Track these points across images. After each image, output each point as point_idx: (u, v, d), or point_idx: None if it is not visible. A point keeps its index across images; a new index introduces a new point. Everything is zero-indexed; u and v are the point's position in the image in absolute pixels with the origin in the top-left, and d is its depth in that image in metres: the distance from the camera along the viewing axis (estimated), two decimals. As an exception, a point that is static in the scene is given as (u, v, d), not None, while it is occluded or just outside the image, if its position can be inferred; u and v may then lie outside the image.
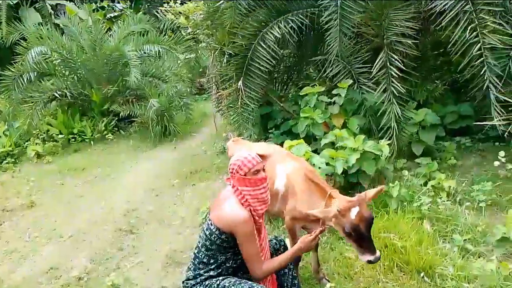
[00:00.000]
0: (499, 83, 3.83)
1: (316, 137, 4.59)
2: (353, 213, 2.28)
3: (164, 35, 8.73)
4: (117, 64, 8.10)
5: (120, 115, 7.66)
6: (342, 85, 4.49)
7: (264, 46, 4.73)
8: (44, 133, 7.54)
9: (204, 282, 2.36)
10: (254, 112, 4.93)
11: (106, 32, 8.58)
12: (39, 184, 5.69)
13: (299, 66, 6.04)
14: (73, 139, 7.51)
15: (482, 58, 3.81)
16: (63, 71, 8.24)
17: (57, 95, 7.63)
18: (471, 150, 5.10)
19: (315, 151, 4.37)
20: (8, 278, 3.46)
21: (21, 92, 7.58)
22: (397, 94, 4.15)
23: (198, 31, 5.97)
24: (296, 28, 4.80)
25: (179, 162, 6.08)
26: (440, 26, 4.11)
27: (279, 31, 4.72)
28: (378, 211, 3.59)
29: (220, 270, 2.37)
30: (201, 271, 2.37)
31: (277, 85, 6.24)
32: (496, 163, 4.02)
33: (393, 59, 4.15)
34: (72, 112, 7.93)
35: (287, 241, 2.78)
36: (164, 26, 8.33)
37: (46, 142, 7.32)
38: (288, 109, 5.56)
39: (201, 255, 2.37)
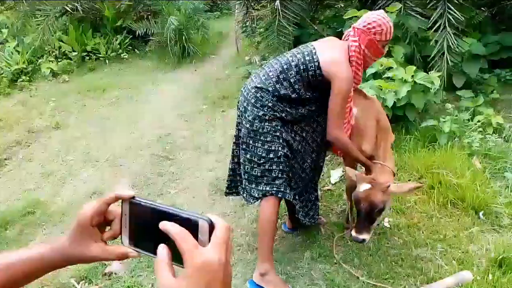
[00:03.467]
0: None
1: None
2: (362, 187, 2.18)
3: None
4: (129, -25, 7.52)
5: (137, 33, 7.27)
6: (390, 9, 4.16)
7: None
8: (56, 49, 7.19)
9: (274, 116, 2.26)
10: (291, 35, 4.64)
11: None
12: (60, 104, 5.53)
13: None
14: (88, 57, 7.18)
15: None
16: (72, -18, 7.67)
17: (68, 8, 7.15)
18: (511, 84, 4.93)
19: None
20: (53, 201, 3.45)
21: (29, 4, 7.11)
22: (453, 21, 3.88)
23: None
24: None
25: (203, 86, 5.88)
26: None
27: None
28: (426, 147, 3.53)
29: (297, 111, 2.31)
30: (281, 91, 2.24)
31: (309, 6, 5.84)
32: (546, 100, 3.90)
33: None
34: (84, 28, 7.49)
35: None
36: None
37: (60, 60, 7.01)
38: (322, 33, 5.25)
39: (290, 74, 2.24)
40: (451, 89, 4.64)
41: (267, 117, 2.26)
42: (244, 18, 5.85)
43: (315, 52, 2.22)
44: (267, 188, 2.30)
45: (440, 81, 3.81)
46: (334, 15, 5.88)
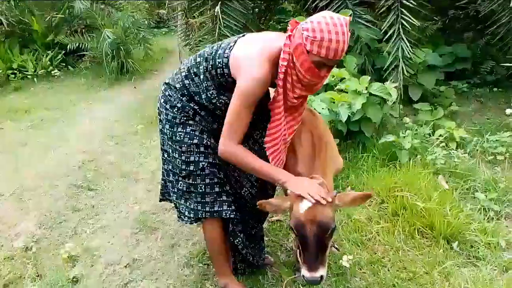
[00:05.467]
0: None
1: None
2: (303, 207, 1.63)
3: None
4: (62, -13, 6.86)
5: (68, 48, 6.59)
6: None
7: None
8: (-24, 67, 6.37)
9: (186, 118, 1.82)
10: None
11: None
12: (-29, 129, 4.75)
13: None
14: (13, 75, 6.40)
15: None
16: (-4, -6, 6.92)
17: (-10, 22, 6.39)
18: (467, 96, 4.71)
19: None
20: None
21: None
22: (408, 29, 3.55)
23: None
24: None
25: (141, 105, 5.28)
26: None
27: None
28: (386, 165, 3.11)
29: (216, 120, 1.85)
30: (191, 89, 1.81)
31: (254, 16, 5.45)
32: (509, 111, 3.63)
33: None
34: (10, 43, 6.73)
35: None
36: None
37: (-20, 79, 6.20)
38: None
39: (201, 68, 1.76)
40: (408, 103, 4.33)
41: (177, 120, 1.83)
42: (185, 29, 5.35)
43: (233, 46, 1.70)
44: (199, 207, 1.91)
45: (397, 92, 3.45)
46: (280, 22, 5.54)
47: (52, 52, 6.78)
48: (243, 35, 1.78)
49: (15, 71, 6.49)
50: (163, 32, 10.00)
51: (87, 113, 5.16)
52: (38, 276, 2.47)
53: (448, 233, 2.41)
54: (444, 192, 2.73)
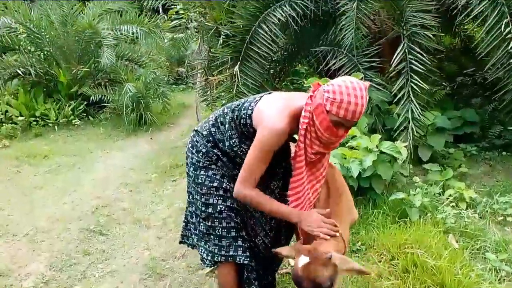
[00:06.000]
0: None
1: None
2: (300, 262, 1.70)
3: (145, 15, 8.02)
4: (90, 43, 7.33)
5: (91, 99, 6.92)
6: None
7: (265, 28, 4.21)
8: (2, 113, 6.67)
9: (209, 163, 1.96)
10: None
11: (80, 11, 7.75)
12: (-10, 171, 4.91)
13: (297, 57, 5.55)
14: (35, 122, 6.69)
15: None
16: (29, 47, 7.41)
17: (19, 72, 6.79)
18: (476, 159, 4.77)
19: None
20: None
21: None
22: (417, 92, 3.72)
23: (188, 9, 5.36)
24: (300, 11, 4.30)
25: (157, 155, 5.44)
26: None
27: (282, 14, 4.21)
28: (396, 222, 3.13)
29: (236, 167, 1.93)
30: (216, 136, 1.95)
31: (270, 76, 5.72)
32: (519, 174, 3.67)
33: (414, 52, 3.71)
34: (35, 92, 7.09)
35: None
36: (147, 4, 7.54)
37: (4, 124, 6.46)
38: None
39: (227, 118, 1.90)
40: (417, 163, 4.40)
41: (201, 164, 1.97)
42: (204, 86, 5.62)
43: (258, 100, 1.87)
44: (215, 251, 1.98)
45: (407, 151, 3.54)
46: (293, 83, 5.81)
47: (75, 102, 7.12)
48: (269, 93, 1.94)
49: (38, 119, 6.79)
50: (181, 89, 10.43)
51: (104, 160, 5.32)
52: (44, 317, 2.47)
53: (460, 293, 2.38)
54: (455, 251, 2.72)
